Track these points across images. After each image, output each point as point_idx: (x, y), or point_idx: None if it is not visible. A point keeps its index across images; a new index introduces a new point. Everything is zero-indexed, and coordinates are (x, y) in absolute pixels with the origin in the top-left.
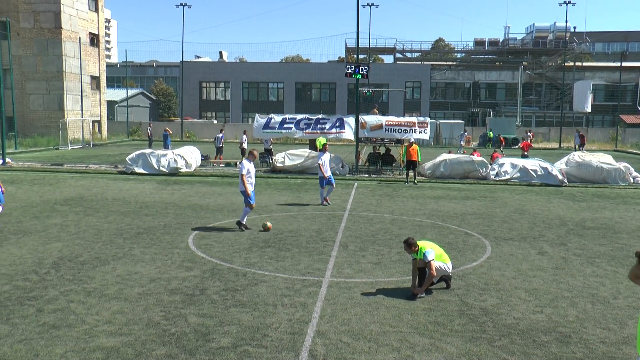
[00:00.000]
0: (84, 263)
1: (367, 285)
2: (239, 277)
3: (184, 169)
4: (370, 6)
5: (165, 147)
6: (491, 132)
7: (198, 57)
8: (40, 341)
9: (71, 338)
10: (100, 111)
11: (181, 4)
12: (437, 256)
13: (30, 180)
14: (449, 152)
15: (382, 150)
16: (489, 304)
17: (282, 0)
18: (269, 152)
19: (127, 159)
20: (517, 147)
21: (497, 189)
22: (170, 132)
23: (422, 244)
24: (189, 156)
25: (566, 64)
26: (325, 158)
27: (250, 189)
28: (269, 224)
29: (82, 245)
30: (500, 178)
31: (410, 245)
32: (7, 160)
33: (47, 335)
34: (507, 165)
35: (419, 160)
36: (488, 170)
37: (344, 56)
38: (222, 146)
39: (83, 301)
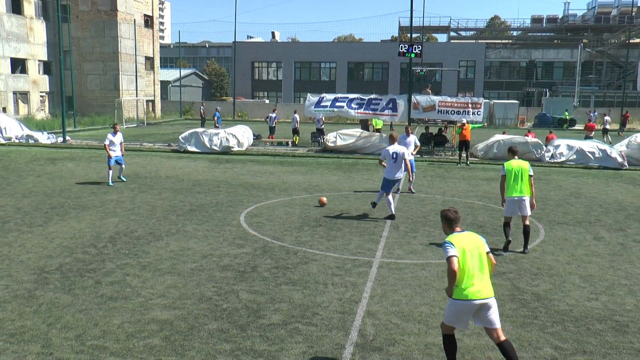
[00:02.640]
0: (139, 238)
1: (418, 266)
2: (290, 255)
3: (235, 148)
4: None
5: (216, 126)
6: (567, 113)
7: (250, 37)
8: (99, 311)
9: (127, 310)
10: (154, 91)
11: None
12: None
13: (88, 158)
14: (503, 133)
15: (435, 130)
16: (541, 289)
17: None
18: (320, 132)
19: (180, 137)
20: (572, 128)
21: (551, 172)
22: (219, 109)
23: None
24: (240, 135)
25: (631, 41)
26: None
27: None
28: (324, 199)
29: (136, 221)
30: (555, 160)
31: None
32: (67, 138)
33: (105, 306)
34: (563, 146)
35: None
36: (543, 152)
37: (397, 35)
38: (274, 126)
39: (138, 275)
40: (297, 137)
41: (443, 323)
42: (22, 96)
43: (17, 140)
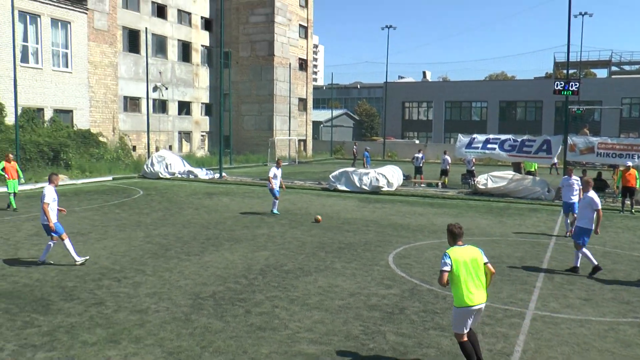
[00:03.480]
0: (288, 272)
1: (576, 322)
2: (438, 299)
3: (385, 188)
4: (582, 15)
5: (365, 166)
6: None
7: (401, 77)
8: (248, 340)
9: (275, 340)
10: (306, 131)
11: (386, 26)
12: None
13: (242, 193)
14: None
15: (593, 174)
16: None
17: (487, 15)
18: (471, 174)
19: (330, 176)
20: None
21: None
22: (369, 149)
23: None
24: (390, 175)
25: None
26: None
27: None
28: (319, 217)
29: (286, 256)
30: None
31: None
32: (223, 174)
33: (254, 335)
34: None
35: (637, 186)
36: None
37: (552, 72)
38: (421, 166)
39: (287, 307)
40: (446, 179)
41: (455, 333)
42: (186, 135)
43: (179, 175)
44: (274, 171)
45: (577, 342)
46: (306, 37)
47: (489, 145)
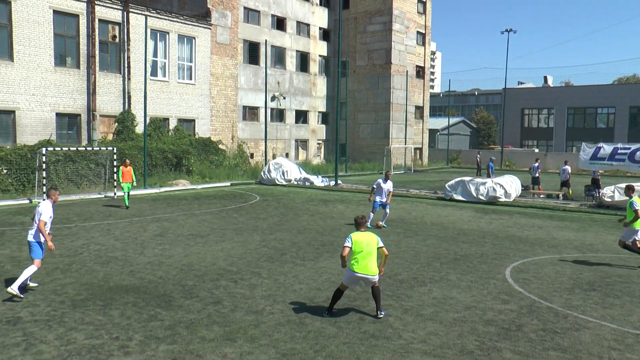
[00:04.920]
0: (402, 282)
1: None
2: (559, 318)
3: (502, 199)
4: None
5: (489, 175)
6: None
7: (521, 83)
8: (361, 347)
9: (388, 350)
10: (422, 139)
11: (506, 30)
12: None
13: (357, 201)
14: None
15: None
16: None
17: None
18: (596, 183)
19: (446, 185)
20: None
21: None
22: (493, 159)
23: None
24: (508, 185)
25: None
26: None
27: None
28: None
29: (401, 265)
30: None
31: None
32: (339, 182)
33: (367, 342)
34: None
35: None
36: None
37: None
38: (538, 176)
39: (400, 317)
40: (570, 190)
41: (342, 283)
42: (302, 143)
43: (295, 182)
44: (380, 183)
45: None
46: (424, 44)
47: (617, 157)
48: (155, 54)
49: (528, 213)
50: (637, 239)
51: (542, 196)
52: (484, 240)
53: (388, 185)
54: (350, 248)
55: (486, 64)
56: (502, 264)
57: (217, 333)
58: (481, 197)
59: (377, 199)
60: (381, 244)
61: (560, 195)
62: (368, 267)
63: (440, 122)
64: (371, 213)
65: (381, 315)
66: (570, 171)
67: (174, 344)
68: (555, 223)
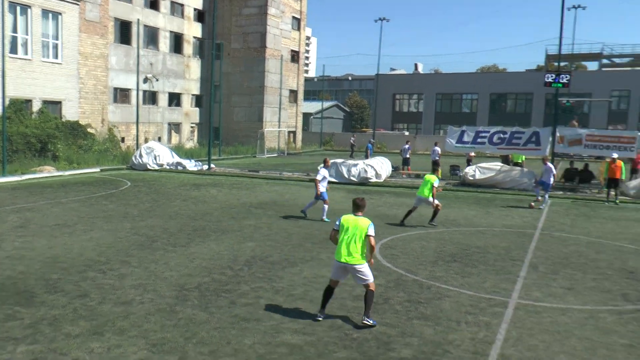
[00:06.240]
0: (274, 263)
1: (557, 311)
2: (423, 289)
3: (373, 179)
4: (576, 8)
5: (367, 156)
6: None
7: (393, 69)
8: (232, 330)
9: (259, 331)
10: (296, 122)
11: (380, 19)
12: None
13: (230, 185)
14: None
15: (580, 166)
16: None
17: (480, 9)
18: (469, 163)
19: (319, 167)
20: None
21: None
22: (372, 141)
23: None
24: (379, 167)
25: None
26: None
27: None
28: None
29: (273, 247)
30: None
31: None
32: (212, 165)
33: (238, 326)
34: None
35: (623, 178)
36: None
37: (544, 64)
38: (409, 157)
39: (271, 298)
40: (440, 170)
41: (331, 278)
42: (175, 127)
43: (167, 167)
44: (323, 173)
45: (558, 330)
46: (299, 29)
47: (479, 140)
48: (14, 29)
49: (398, 192)
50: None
51: (411, 176)
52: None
53: (327, 174)
54: (337, 231)
55: (360, 50)
56: None
57: (83, 328)
58: (353, 178)
59: (323, 188)
60: (371, 232)
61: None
62: (350, 254)
63: (314, 106)
64: (325, 206)
65: (367, 323)
66: (440, 152)
67: (35, 343)
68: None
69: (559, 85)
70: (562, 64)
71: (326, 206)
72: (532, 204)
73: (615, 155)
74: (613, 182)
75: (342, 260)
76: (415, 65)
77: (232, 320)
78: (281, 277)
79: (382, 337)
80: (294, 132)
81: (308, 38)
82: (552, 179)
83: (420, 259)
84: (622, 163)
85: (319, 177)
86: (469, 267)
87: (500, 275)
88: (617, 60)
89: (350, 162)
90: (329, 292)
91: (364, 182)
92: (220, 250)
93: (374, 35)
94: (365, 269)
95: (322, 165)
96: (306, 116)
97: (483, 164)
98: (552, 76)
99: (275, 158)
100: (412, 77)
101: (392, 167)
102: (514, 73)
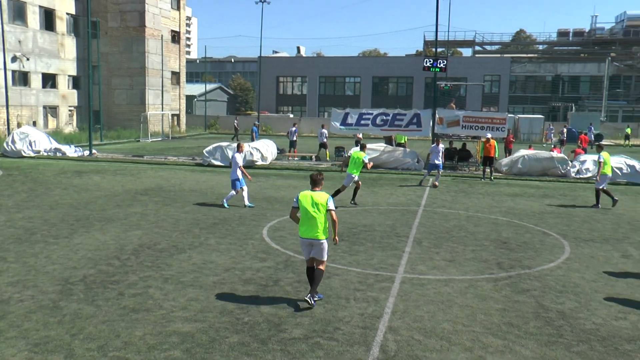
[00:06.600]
0: (162, 251)
1: (441, 282)
2: None
3: (259, 162)
4: None
5: (252, 139)
6: (630, 129)
7: (276, 52)
8: (121, 323)
9: (149, 322)
10: (180, 105)
11: (260, 0)
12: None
13: (113, 171)
14: (529, 148)
15: (459, 145)
16: (566, 307)
17: None
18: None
19: (204, 151)
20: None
21: (577, 187)
22: (257, 124)
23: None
24: (265, 149)
25: None
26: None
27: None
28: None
29: (160, 234)
30: (581, 176)
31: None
32: (93, 151)
33: (127, 317)
34: (589, 162)
35: (496, 156)
36: (568, 168)
37: (422, 50)
38: (295, 140)
39: (161, 287)
40: (327, 152)
41: (304, 259)
42: (52, 110)
43: (45, 154)
44: (239, 158)
45: (442, 300)
46: (178, 8)
47: (363, 122)
48: None
49: (284, 175)
50: None
51: (296, 158)
52: (242, 203)
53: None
54: (297, 209)
55: (242, 32)
56: (260, 224)
57: None
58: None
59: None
60: (331, 206)
61: (314, 156)
62: (313, 230)
63: (197, 88)
64: (234, 193)
65: (311, 300)
66: (327, 134)
67: None
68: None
69: (437, 69)
70: (439, 49)
71: (233, 193)
72: (436, 182)
73: (489, 135)
74: (488, 160)
75: (306, 236)
76: (298, 48)
77: (120, 312)
78: (170, 265)
79: (274, 319)
80: (178, 115)
81: (189, 18)
82: (437, 160)
83: None
84: (495, 142)
85: (240, 163)
86: (356, 245)
87: (387, 251)
88: (488, 47)
89: (236, 145)
90: (310, 272)
91: (250, 165)
92: (106, 240)
93: (255, 17)
94: (325, 245)
95: (236, 151)
96: (190, 99)
97: (367, 145)
98: (430, 61)
99: (159, 142)
100: (295, 59)
101: (278, 149)
102: (395, 57)
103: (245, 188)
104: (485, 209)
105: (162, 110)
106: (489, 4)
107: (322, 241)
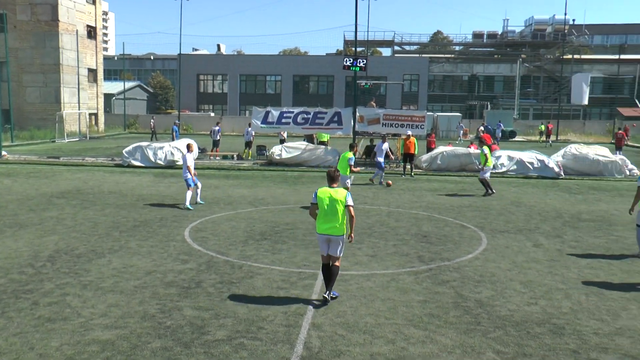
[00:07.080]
0: (80, 256)
1: (363, 277)
2: (234, 269)
3: (180, 162)
4: None
5: (173, 139)
6: (543, 126)
7: (196, 49)
8: (35, 334)
9: (67, 331)
10: (97, 104)
11: None
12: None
13: (27, 173)
14: (448, 145)
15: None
16: (483, 295)
17: None
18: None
19: (123, 151)
20: (513, 139)
21: (493, 182)
22: (177, 123)
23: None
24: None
25: (564, 57)
26: None
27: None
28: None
29: (78, 238)
30: (497, 171)
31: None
32: (3, 153)
33: (42, 328)
34: (504, 157)
35: (416, 152)
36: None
37: (342, 49)
38: (219, 139)
39: (79, 294)
40: (250, 151)
41: (321, 254)
42: None
43: None
44: (190, 159)
45: (364, 294)
46: (94, 2)
47: (284, 120)
48: None
49: (205, 174)
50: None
51: (218, 158)
52: (163, 204)
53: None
54: (316, 205)
55: (161, 28)
56: (182, 226)
57: None
58: (159, 161)
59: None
60: (349, 202)
61: (235, 155)
62: (331, 226)
63: (115, 86)
64: (198, 191)
65: (331, 296)
66: (253, 133)
67: None
68: (230, 182)
69: (357, 68)
70: (359, 49)
71: (189, 192)
72: (373, 180)
73: (409, 133)
74: (408, 157)
75: (323, 232)
76: (218, 46)
77: (35, 323)
78: (88, 270)
79: (196, 322)
80: (96, 115)
81: (105, 13)
82: (378, 157)
83: (231, 239)
84: (415, 139)
85: (190, 164)
86: (279, 243)
87: (309, 249)
88: (407, 47)
89: (156, 145)
90: (326, 269)
91: (171, 164)
92: (19, 247)
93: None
94: (343, 241)
95: (186, 151)
96: (108, 97)
97: (289, 144)
98: (350, 60)
99: (76, 142)
100: (216, 57)
101: (199, 148)
102: (316, 56)
103: (199, 185)
104: (406, 204)
105: (79, 109)
106: (408, 5)
107: (340, 237)
